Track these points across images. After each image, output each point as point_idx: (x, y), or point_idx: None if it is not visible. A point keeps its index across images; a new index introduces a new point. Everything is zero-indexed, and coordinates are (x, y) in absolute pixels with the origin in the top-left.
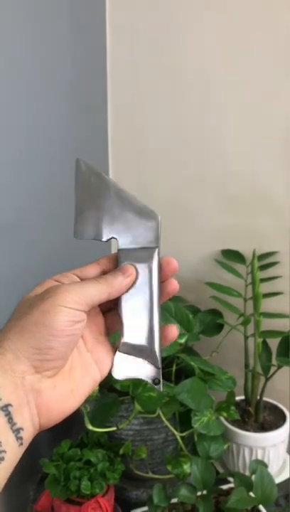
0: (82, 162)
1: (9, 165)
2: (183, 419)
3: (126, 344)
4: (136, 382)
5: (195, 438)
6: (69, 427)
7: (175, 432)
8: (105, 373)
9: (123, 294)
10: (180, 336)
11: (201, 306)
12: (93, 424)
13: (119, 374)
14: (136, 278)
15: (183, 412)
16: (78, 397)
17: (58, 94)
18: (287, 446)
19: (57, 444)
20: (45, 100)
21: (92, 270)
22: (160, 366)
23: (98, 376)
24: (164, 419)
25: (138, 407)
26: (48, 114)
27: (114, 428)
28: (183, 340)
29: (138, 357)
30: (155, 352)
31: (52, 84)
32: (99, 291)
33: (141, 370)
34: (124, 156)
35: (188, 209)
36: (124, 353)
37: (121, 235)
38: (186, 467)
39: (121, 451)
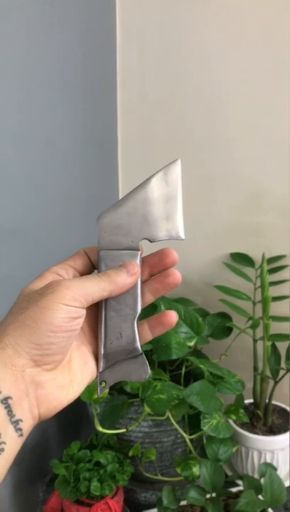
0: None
1: (18, 169)
2: (192, 421)
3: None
4: (146, 385)
5: (204, 440)
6: (78, 429)
7: (185, 435)
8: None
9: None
10: (190, 338)
11: (210, 309)
12: (103, 426)
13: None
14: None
15: (192, 414)
16: (77, 388)
17: (68, 102)
18: None
19: (67, 445)
20: (54, 105)
21: (82, 260)
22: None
23: (95, 368)
24: (173, 421)
25: (147, 409)
26: (59, 123)
27: (124, 430)
28: (192, 343)
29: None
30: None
31: (61, 90)
32: (100, 289)
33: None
34: (133, 158)
35: (196, 213)
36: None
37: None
38: (195, 469)
39: (130, 453)
